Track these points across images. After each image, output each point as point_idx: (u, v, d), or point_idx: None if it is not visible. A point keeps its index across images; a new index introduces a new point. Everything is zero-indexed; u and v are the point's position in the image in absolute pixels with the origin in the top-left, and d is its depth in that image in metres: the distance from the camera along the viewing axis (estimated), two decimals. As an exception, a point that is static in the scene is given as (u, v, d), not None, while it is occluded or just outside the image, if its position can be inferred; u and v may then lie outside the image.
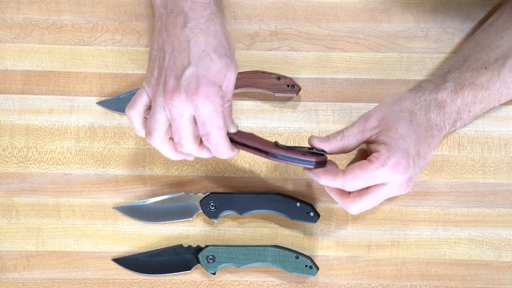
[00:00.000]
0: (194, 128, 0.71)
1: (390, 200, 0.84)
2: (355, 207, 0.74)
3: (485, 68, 0.78)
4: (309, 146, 0.75)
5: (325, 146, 0.74)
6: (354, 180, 0.71)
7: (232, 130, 0.74)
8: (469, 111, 0.78)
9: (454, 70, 0.80)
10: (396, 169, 0.70)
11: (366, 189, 0.73)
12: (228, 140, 0.73)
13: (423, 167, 0.76)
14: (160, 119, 0.71)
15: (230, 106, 0.74)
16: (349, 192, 0.74)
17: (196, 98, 0.69)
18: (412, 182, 0.73)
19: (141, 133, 0.75)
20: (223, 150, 0.73)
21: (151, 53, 0.74)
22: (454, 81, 0.78)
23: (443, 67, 0.84)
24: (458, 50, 0.86)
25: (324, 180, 0.73)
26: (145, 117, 0.74)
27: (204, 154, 0.74)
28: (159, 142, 0.73)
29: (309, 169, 0.74)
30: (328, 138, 0.75)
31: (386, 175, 0.71)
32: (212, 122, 0.70)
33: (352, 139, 0.74)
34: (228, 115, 0.74)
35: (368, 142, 0.74)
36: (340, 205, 0.84)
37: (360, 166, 0.71)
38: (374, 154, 0.71)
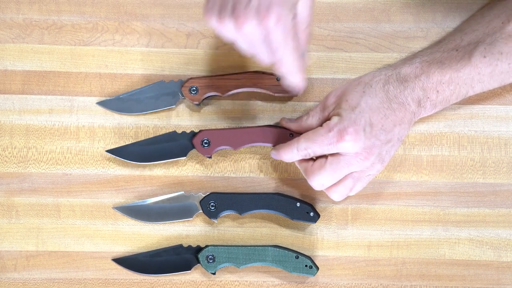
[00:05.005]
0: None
1: (390, 200, 0.84)
2: (316, 178, 0.76)
3: (456, 50, 0.78)
4: None
5: (292, 126, 0.80)
6: (306, 142, 0.75)
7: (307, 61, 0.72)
8: (437, 91, 0.77)
9: (425, 50, 0.81)
10: (342, 136, 0.73)
11: (325, 159, 0.75)
12: (300, 61, 0.70)
13: (390, 141, 0.75)
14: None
15: (308, 34, 0.70)
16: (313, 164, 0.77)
17: (268, 20, 0.64)
18: (373, 153, 0.74)
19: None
20: (294, 74, 0.71)
21: None
22: (421, 58, 0.78)
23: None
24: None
25: (283, 151, 0.77)
26: None
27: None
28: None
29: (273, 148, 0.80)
30: (296, 119, 0.81)
31: (334, 141, 0.73)
32: (286, 46, 0.67)
33: (315, 118, 0.78)
34: (305, 43, 0.71)
35: (328, 119, 0.76)
36: (339, 206, 0.84)
37: (313, 130, 0.75)
38: (326, 122, 0.75)
